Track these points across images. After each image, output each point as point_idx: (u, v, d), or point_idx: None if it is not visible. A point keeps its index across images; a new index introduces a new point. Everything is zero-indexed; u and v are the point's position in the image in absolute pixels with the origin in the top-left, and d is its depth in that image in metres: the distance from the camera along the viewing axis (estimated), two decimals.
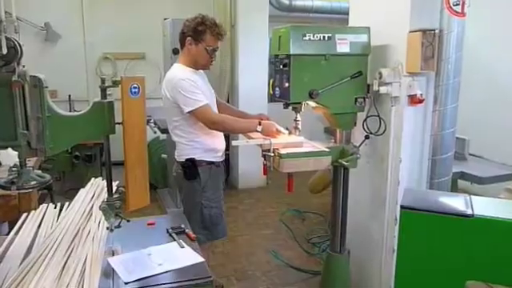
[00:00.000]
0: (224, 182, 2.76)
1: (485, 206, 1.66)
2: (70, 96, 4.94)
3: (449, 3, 2.23)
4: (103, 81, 1.62)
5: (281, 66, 2.28)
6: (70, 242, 1.74)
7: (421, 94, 2.33)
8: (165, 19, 4.33)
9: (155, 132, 4.10)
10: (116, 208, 1.68)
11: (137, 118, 1.72)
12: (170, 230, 1.93)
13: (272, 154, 2.18)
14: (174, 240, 1.86)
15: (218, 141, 2.54)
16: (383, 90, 2.36)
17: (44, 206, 2.18)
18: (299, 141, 2.34)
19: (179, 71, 2.43)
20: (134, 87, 1.68)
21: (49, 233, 1.86)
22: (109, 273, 1.59)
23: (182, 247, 1.79)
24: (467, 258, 1.61)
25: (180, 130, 2.46)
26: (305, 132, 2.40)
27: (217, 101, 2.65)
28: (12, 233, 1.91)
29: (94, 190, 2.26)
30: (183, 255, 1.73)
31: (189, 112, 2.34)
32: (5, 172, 1.73)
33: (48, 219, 2.02)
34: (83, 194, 2.23)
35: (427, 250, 1.67)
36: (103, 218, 1.74)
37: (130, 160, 1.74)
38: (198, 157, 2.45)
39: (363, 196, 2.73)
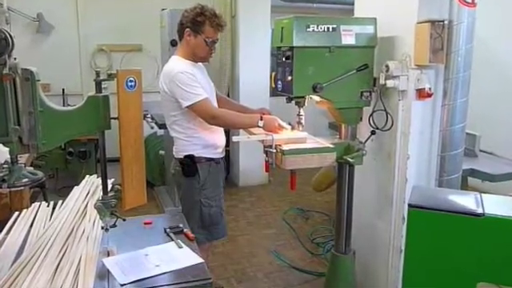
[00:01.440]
0: (224, 180, 2.74)
1: (496, 205, 1.65)
2: (63, 90, 4.87)
3: None
4: (98, 74, 1.60)
5: (283, 59, 2.25)
6: (63, 242, 1.74)
7: (429, 88, 2.30)
8: (162, 9, 4.28)
9: (152, 127, 4.10)
10: (111, 206, 1.66)
11: (133, 113, 1.72)
12: (168, 230, 1.90)
13: (274, 151, 2.16)
14: (172, 240, 1.83)
15: (217, 136, 2.50)
16: (390, 83, 2.33)
17: (36, 204, 2.17)
18: (302, 136, 2.31)
19: (177, 64, 2.39)
20: (131, 80, 1.67)
21: (41, 232, 1.85)
22: (104, 274, 1.57)
23: (181, 247, 1.77)
24: (478, 259, 1.60)
25: (178, 125, 2.42)
26: (308, 127, 2.37)
27: (217, 95, 2.62)
28: (3, 232, 1.89)
29: (89, 187, 2.25)
30: (181, 256, 1.70)
31: (187, 106, 2.30)
32: None
33: (40, 218, 2.01)
34: (77, 192, 2.22)
35: (436, 250, 1.66)
36: (98, 216, 1.73)
37: (126, 156, 1.73)
38: (197, 153, 2.42)
39: (369, 194, 2.71)
